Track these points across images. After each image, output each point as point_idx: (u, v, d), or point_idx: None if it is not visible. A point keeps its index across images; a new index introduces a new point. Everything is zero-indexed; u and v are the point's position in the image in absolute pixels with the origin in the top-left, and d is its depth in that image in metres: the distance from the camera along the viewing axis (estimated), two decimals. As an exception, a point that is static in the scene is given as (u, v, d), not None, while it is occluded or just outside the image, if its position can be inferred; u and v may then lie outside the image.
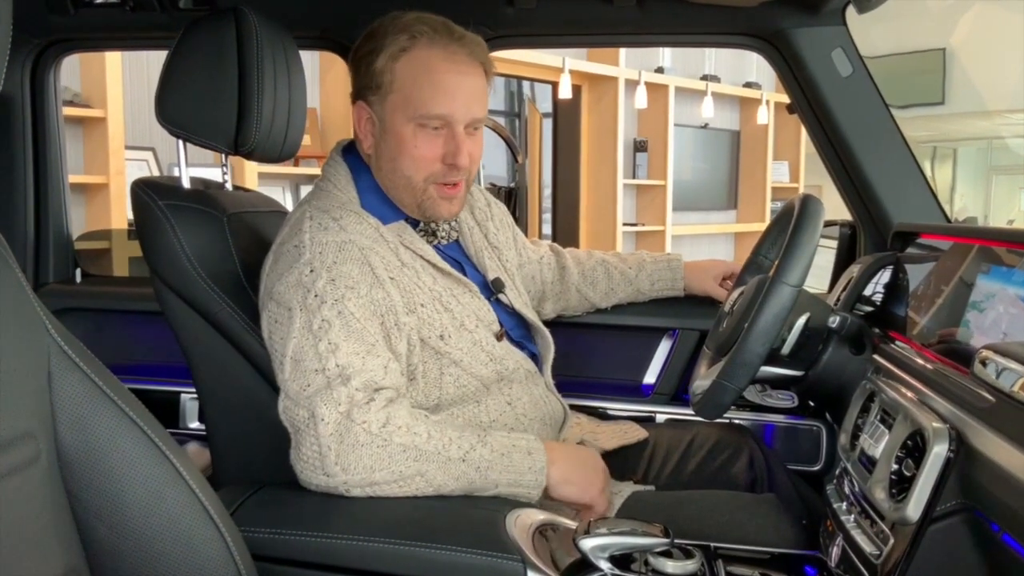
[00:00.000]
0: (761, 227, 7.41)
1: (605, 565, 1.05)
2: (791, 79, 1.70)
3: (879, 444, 1.01)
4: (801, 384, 1.37)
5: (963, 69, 8.00)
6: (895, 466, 0.97)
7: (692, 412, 1.37)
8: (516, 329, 1.45)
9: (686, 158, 6.73)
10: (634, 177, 6.28)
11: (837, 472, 1.19)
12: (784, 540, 1.25)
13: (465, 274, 1.40)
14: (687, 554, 1.08)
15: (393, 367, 1.20)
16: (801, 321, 1.31)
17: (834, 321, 1.27)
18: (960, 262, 1.26)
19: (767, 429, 1.74)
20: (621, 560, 1.06)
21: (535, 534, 1.11)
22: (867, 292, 1.53)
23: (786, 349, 1.31)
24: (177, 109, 1.40)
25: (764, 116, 6.96)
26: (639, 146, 6.33)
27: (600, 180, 6.08)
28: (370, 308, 1.22)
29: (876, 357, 1.27)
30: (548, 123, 6.15)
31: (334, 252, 1.22)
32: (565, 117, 6.16)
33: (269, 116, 1.40)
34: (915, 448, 0.95)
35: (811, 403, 1.75)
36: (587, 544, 1.06)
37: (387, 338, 1.23)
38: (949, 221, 1.71)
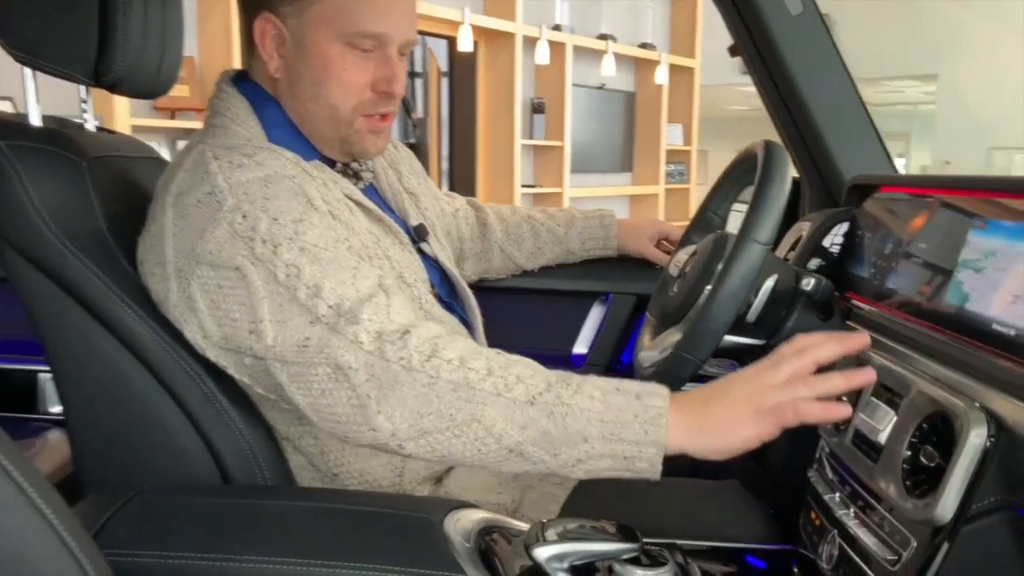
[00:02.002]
0: (656, 190, 7.42)
1: (565, 579, 0.88)
2: (735, 17, 1.54)
3: (883, 427, 0.87)
4: (762, 354, 1.22)
5: (843, 37, 8.13)
6: (907, 452, 0.82)
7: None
8: (441, 288, 1.25)
9: (583, 119, 6.60)
10: (531, 138, 6.11)
11: (819, 456, 1.04)
12: (753, 533, 1.10)
13: None
14: (656, 559, 0.91)
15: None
16: (769, 284, 1.16)
17: (808, 283, 1.12)
18: (938, 216, 1.13)
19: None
20: (583, 570, 0.89)
21: (479, 540, 0.93)
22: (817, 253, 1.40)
23: (752, 315, 1.16)
24: (24, 30, 1.13)
25: (663, 76, 6.89)
26: (537, 107, 6.16)
27: (498, 140, 5.89)
28: (331, 236, 1.00)
29: (852, 324, 1.13)
30: (444, 82, 5.91)
31: (261, 188, 0.99)
32: (461, 74, 5.93)
33: (139, 38, 1.14)
34: (934, 433, 0.80)
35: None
36: (542, 553, 0.89)
37: (368, 260, 1.02)
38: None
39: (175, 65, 1.29)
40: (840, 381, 0.88)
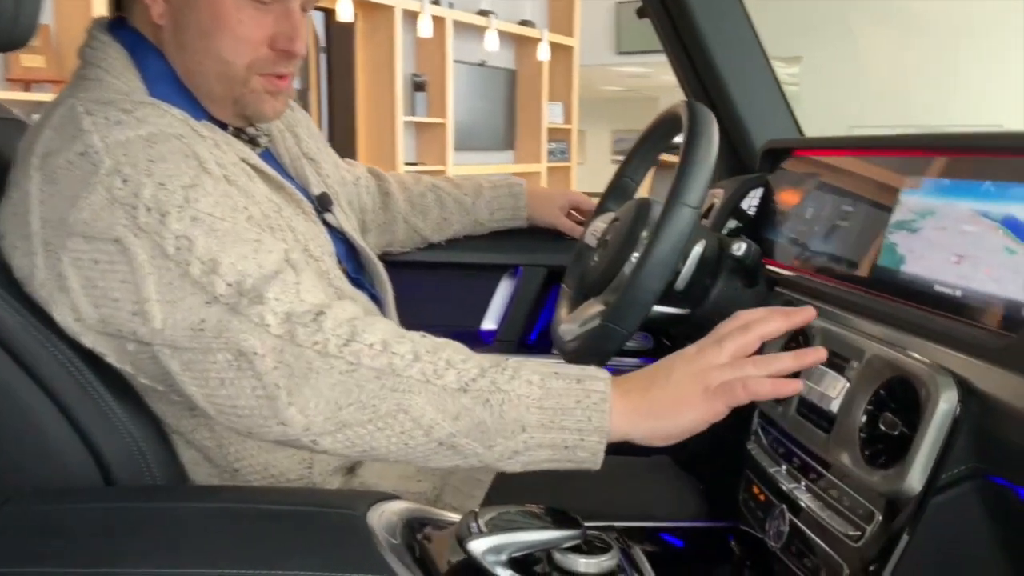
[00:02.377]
0: (538, 168, 7.41)
1: (506, 574, 0.80)
2: (645, -23, 1.48)
3: (834, 394, 0.82)
4: (683, 324, 1.18)
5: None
6: (862, 419, 0.78)
7: (551, 360, 1.13)
8: (348, 262, 1.15)
9: (465, 96, 6.51)
10: (413, 114, 5.98)
11: (755, 427, 0.99)
12: (689, 510, 1.05)
13: None
14: (599, 545, 0.85)
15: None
16: (698, 250, 1.11)
17: (739, 248, 1.07)
18: (863, 178, 1.10)
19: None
20: (521, 562, 0.81)
21: (406, 535, 0.84)
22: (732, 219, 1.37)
23: (680, 283, 1.11)
24: None
25: (544, 53, 6.86)
26: (418, 85, 6.03)
27: (379, 117, 5.73)
28: (227, 204, 0.88)
29: (782, 290, 1.09)
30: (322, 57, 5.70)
31: (143, 149, 0.86)
32: (340, 47, 5.73)
33: None
34: (893, 399, 0.76)
35: (668, 343, 1.58)
36: (478, 546, 0.80)
37: (270, 232, 0.90)
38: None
39: (34, 13, 1.13)
40: (789, 360, 0.83)
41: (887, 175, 1.05)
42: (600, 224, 1.28)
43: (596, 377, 0.83)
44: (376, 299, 1.17)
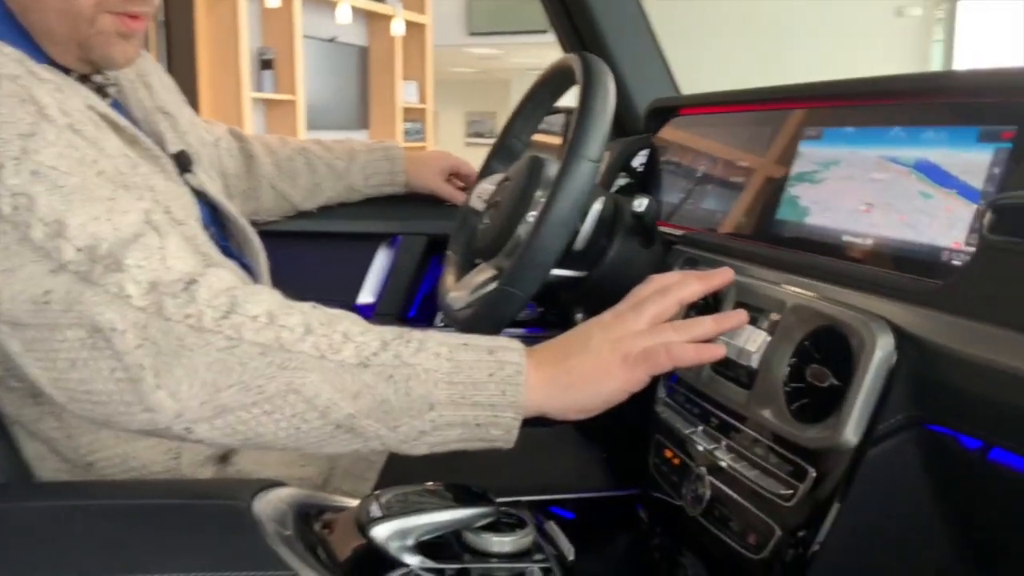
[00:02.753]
0: (396, 147, 7.24)
1: (414, 560, 0.72)
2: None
3: (752, 348, 0.78)
4: (578, 288, 1.12)
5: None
6: (786, 372, 0.74)
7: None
8: (215, 227, 1.03)
9: (315, 73, 6.30)
10: (261, 90, 5.72)
11: (661, 388, 0.95)
12: (594, 480, 1.00)
13: None
14: (512, 522, 0.78)
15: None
16: (597, 207, 1.05)
17: (640, 204, 1.02)
18: (755, 132, 1.07)
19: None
20: (430, 546, 0.74)
21: (298, 525, 0.74)
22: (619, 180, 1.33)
23: (580, 243, 1.05)
24: None
25: (399, 28, 6.72)
26: (266, 63, 5.78)
27: (223, 94, 5.44)
28: (74, 156, 0.76)
29: (682, 248, 1.05)
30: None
31: None
32: (178, 21, 5.39)
33: None
34: (819, 350, 0.73)
35: (552, 313, 1.52)
36: (382, 531, 0.72)
37: (126, 190, 0.77)
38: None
39: None
40: (711, 324, 0.78)
41: (783, 127, 1.03)
42: (487, 186, 1.21)
43: (509, 348, 0.75)
44: (248, 269, 1.06)
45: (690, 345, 0.75)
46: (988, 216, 0.56)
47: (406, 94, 7.32)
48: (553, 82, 1.16)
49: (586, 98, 0.98)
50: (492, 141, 1.31)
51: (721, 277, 0.82)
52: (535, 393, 0.74)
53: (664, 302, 0.78)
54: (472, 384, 0.73)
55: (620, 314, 0.79)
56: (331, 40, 6.52)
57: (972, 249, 0.70)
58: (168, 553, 0.65)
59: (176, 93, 1.13)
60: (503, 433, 0.75)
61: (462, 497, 0.78)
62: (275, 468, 0.97)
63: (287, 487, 0.79)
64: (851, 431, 0.66)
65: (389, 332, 0.75)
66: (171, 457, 0.91)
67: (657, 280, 0.82)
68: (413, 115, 7.47)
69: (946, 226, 0.75)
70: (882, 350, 0.66)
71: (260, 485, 0.76)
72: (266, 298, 0.73)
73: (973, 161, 0.75)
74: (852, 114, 0.92)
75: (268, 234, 1.36)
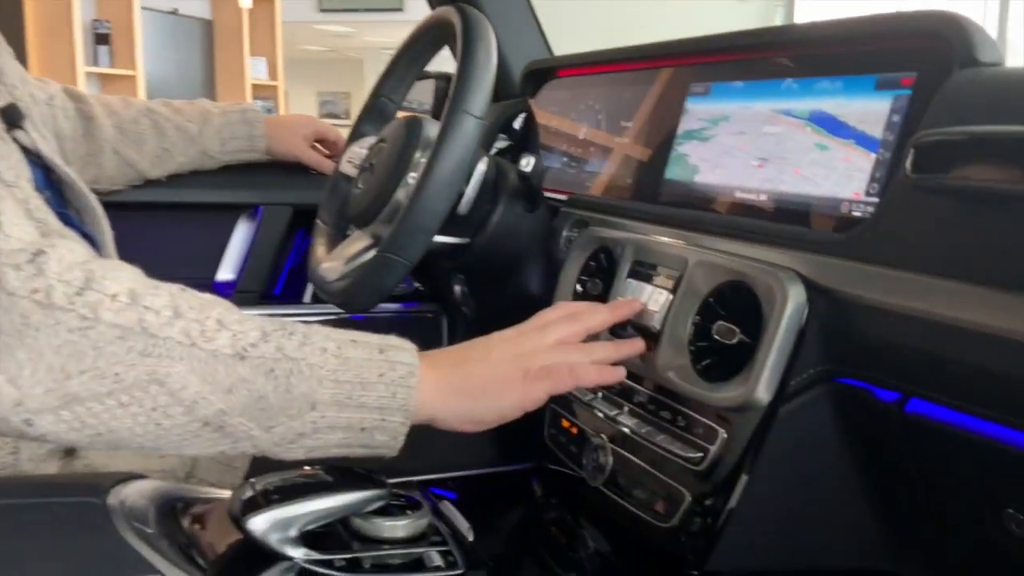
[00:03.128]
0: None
1: (298, 552, 0.64)
2: None
3: (655, 308, 0.75)
4: (461, 256, 1.07)
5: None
6: (690, 329, 0.71)
7: (301, 310, 0.99)
8: (50, 192, 0.90)
9: (156, 47, 5.94)
10: (96, 65, 5.34)
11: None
12: (485, 455, 0.95)
13: None
14: (404, 505, 0.72)
15: None
16: (481, 168, 0.99)
17: (527, 163, 0.97)
18: (637, 91, 1.04)
19: (379, 322, 1.41)
20: (318, 537, 0.66)
21: (162, 521, 0.65)
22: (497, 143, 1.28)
23: (463, 207, 0.99)
24: None
25: (247, 0, 6.43)
26: (101, 37, 5.40)
27: (55, 69, 5.04)
28: None
29: (569, 210, 1.01)
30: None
31: None
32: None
33: None
34: (724, 307, 0.70)
35: (421, 286, 1.46)
36: (260, 523, 0.65)
37: None
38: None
39: None
40: (611, 349, 0.74)
41: (668, 85, 1.00)
42: (358, 150, 1.13)
43: (401, 347, 0.69)
44: (91, 241, 0.94)
45: (592, 366, 0.72)
46: (910, 155, 0.54)
47: (255, 71, 7.02)
48: (429, 36, 1.09)
49: (467, 51, 0.92)
50: (347, 122, 1.23)
51: (628, 307, 0.78)
52: (427, 397, 0.68)
53: (571, 328, 0.74)
54: (360, 384, 0.66)
55: (525, 332, 0.74)
56: (172, 12, 6.18)
57: (873, 199, 0.69)
58: (11, 558, 0.55)
59: (2, 44, 0.99)
60: (388, 439, 0.68)
61: (347, 480, 0.71)
62: (130, 459, 0.86)
63: (147, 479, 0.70)
64: (763, 388, 0.64)
65: (270, 323, 0.66)
66: (8, 452, 0.79)
67: (565, 306, 0.78)
68: (263, 92, 7.18)
69: (844, 177, 0.74)
70: (793, 302, 0.63)
71: (116, 479, 0.67)
72: (127, 275, 0.64)
73: (871, 110, 0.73)
74: (741, 68, 0.90)
75: (112, 205, 1.23)
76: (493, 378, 0.70)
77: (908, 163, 0.54)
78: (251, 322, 0.65)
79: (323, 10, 8.24)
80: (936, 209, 0.56)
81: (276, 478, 0.71)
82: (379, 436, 0.67)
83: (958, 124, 0.57)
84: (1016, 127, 0.50)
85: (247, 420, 0.63)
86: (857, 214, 0.70)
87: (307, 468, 0.71)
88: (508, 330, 0.75)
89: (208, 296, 0.67)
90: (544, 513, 0.86)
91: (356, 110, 1.18)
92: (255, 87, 6.99)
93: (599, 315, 0.76)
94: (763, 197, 0.81)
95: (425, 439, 0.89)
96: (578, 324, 0.74)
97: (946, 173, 0.53)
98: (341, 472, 0.72)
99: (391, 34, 9.59)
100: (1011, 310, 0.52)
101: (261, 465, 0.87)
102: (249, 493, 0.67)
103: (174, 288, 0.65)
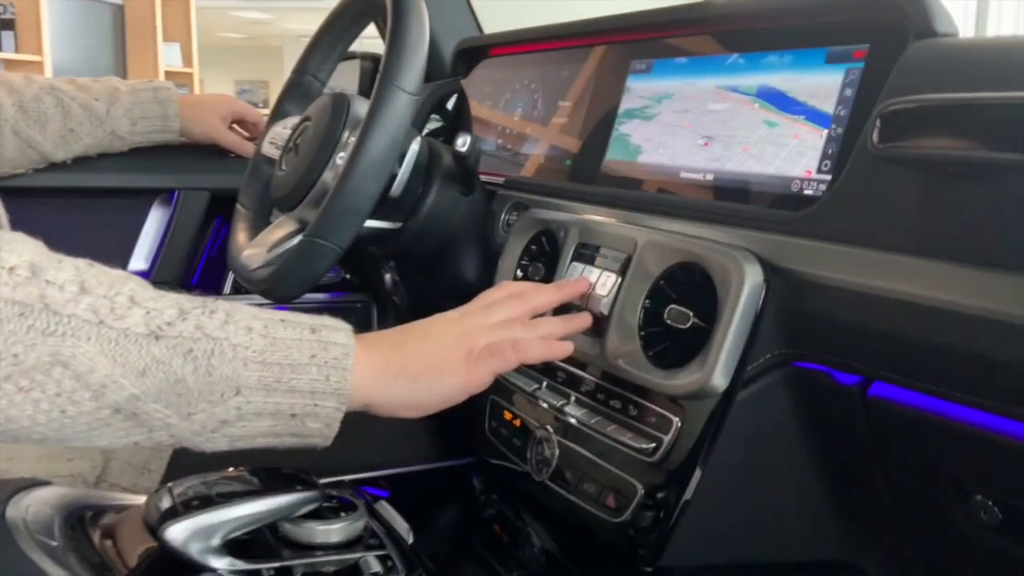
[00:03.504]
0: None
1: (221, 563, 0.59)
2: None
3: (602, 293, 0.71)
4: (391, 242, 1.01)
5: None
6: (640, 313, 0.68)
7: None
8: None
9: (64, 33, 5.69)
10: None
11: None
12: (421, 452, 0.90)
13: None
14: (338, 507, 0.67)
15: None
16: (415, 148, 0.94)
17: (464, 143, 0.92)
18: (576, 69, 1.01)
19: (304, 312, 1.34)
20: (242, 545, 0.61)
21: (69, 532, 0.59)
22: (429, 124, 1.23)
23: (396, 190, 0.94)
24: None
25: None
26: (5, 22, 5.14)
27: (-48, 53, 4.79)
28: None
29: (508, 192, 0.97)
30: None
31: None
32: None
33: None
34: (676, 290, 0.66)
35: (349, 275, 1.40)
36: (178, 532, 0.59)
37: None
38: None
39: None
40: (559, 323, 0.70)
41: (607, 62, 0.97)
42: (281, 130, 1.07)
43: (335, 327, 0.63)
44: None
45: (539, 340, 0.67)
46: (876, 125, 0.51)
47: (168, 57, 6.79)
48: (355, 9, 1.03)
49: (398, 22, 0.86)
50: (267, 112, 1.16)
51: (576, 286, 0.74)
52: (363, 381, 0.62)
53: (515, 308, 0.69)
54: (290, 366, 0.60)
55: (467, 312, 0.70)
56: (80, -4, 5.92)
57: (826, 176, 0.66)
58: None
59: None
60: (322, 426, 0.62)
61: (275, 482, 0.66)
62: (33, 464, 0.79)
63: (51, 486, 0.64)
64: (719, 374, 0.60)
65: (189, 300, 0.60)
66: None
67: (509, 286, 0.73)
68: (177, 80, 6.93)
69: (795, 154, 0.71)
70: (750, 284, 0.60)
71: (15, 486, 0.60)
72: (27, 247, 0.57)
73: (821, 84, 0.71)
74: (684, 44, 0.87)
75: (12, 191, 1.15)
76: (434, 359, 0.65)
77: (874, 133, 0.51)
78: (167, 299, 0.59)
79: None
80: (901, 183, 0.54)
81: (196, 481, 0.65)
82: (311, 423, 0.61)
83: (923, 95, 0.55)
84: (991, 93, 0.47)
85: (163, 406, 0.57)
86: (809, 192, 0.68)
87: (231, 470, 0.66)
88: (450, 312, 0.70)
89: (119, 271, 0.60)
90: (486, 510, 0.82)
91: (275, 99, 1.11)
92: (168, 74, 6.76)
93: (545, 294, 0.71)
94: (710, 177, 0.78)
95: (358, 435, 0.84)
96: (523, 304, 0.70)
97: (914, 143, 0.50)
98: (268, 473, 0.67)
99: (311, 21, 9.39)
100: (982, 287, 0.50)
101: (179, 468, 0.81)
102: (166, 499, 0.62)
103: (80, 263, 0.59)
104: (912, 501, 0.58)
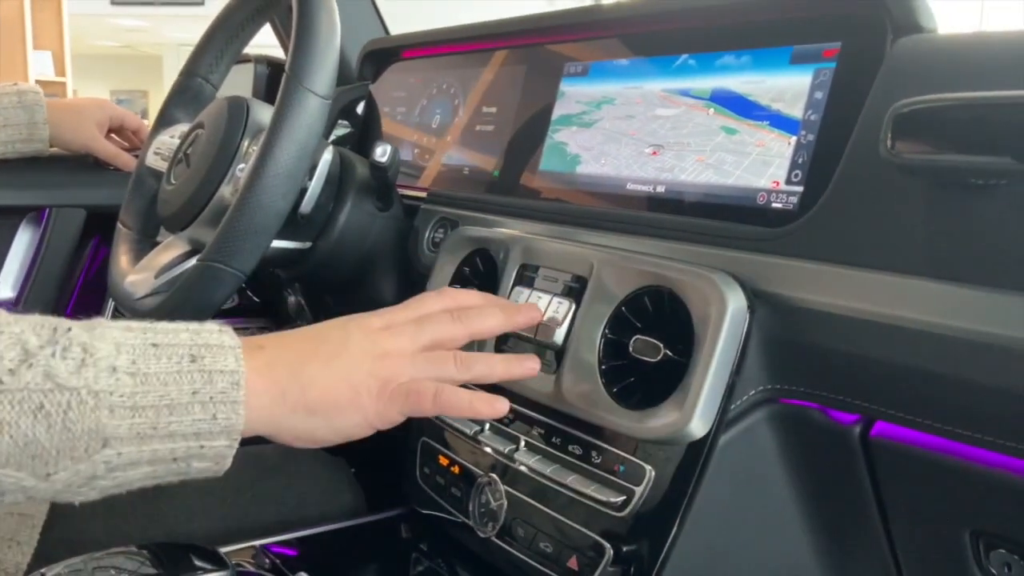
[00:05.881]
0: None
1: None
2: None
3: (558, 318, 0.62)
4: (298, 264, 0.91)
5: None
6: (600, 344, 0.59)
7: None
8: None
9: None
10: None
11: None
12: (342, 504, 0.79)
13: None
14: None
15: None
16: (327, 158, 0.84)
17: (383, 152, 0.82)
18: (501, 73, 0.92)
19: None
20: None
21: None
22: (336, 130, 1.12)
23: (307, 205, 0.83)
24: None
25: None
26: None
27: None
28: None
29: (431, 207, 0.87)
30: None
31: None
32: None
33: None
34: (643, 317, 0.58)
35: (252, 296, 1.28)
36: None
37: None
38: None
39: None
40: (500, 366, 0.59)
41: (537, 65, 0.88)
42: (168, 139, 0.95)
43: (220, 347, 0.52)
44: None
45: (466, 395, 0.56)
46: (890, 128, 0.44)
47: (39, 66, 6.43)
48: (252, 4, 0.92)
49: (306, 16, 0.76)
50: (146, 123, 1.04)
51: (529, 313, 0.63)
52: (255, 413, 0.53)
53: (452, 329, 0.59)
54: (168, 407, 0.49)
55: (393, 325, 0.58)
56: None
57: (796, 188, 0.60)
58: None
59: None
60: (211, 464, 0.52)
61: (171, 559, 0.54)
62: None
63: None
64: (700, 416, 0.52)
65: (38, 329, 0.48)
66: None
67: (451, 295, 0.62)
68: (49, 90, 6.52)
69: (759, 163, 0.64)
70: (732, 311, 0.52)
71: None
72: None
73: (787, 87, 0.64)
74: (624, 44, 0.79)
75: None
76: (339, 392, 0.55)
77: (888, 138, 0.44)
78: (6, 335, 0.47)
79: (115, 3, 7.70)
80: (908, 193, 0.47)
81: (76, 563, 0.53)
82: (197, 464, 0.52)
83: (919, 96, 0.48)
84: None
85: (14, 470, 0.46)
86: (778, 205, 0.61)
87: (119, 549, 0.54)
88: (374, 314, 0.59)
89: None
90: (417, 568, 0.72)
91: (156, 110, 0.99)
92: (39, 84, 6.37)
93: (490, 319, 0.60)
94: (661, 188, 0.70)
95: (264, 490, 0.73)
96: (463, 326, 0.59)
97: (934, 148, 0.43)
98: (161, 548, 0.55)
99: (191, 29, 9.04)
100: (1002, 313, 0.43)
101: (55, 536, 0.69)
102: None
103: None
104: (922, 557, 0.52)
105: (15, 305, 1.12)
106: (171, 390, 0.49)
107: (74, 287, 1.19)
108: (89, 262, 1.20)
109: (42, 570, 0.52)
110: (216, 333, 0.53)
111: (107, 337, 0.49)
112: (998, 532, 0.47)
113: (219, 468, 0.53)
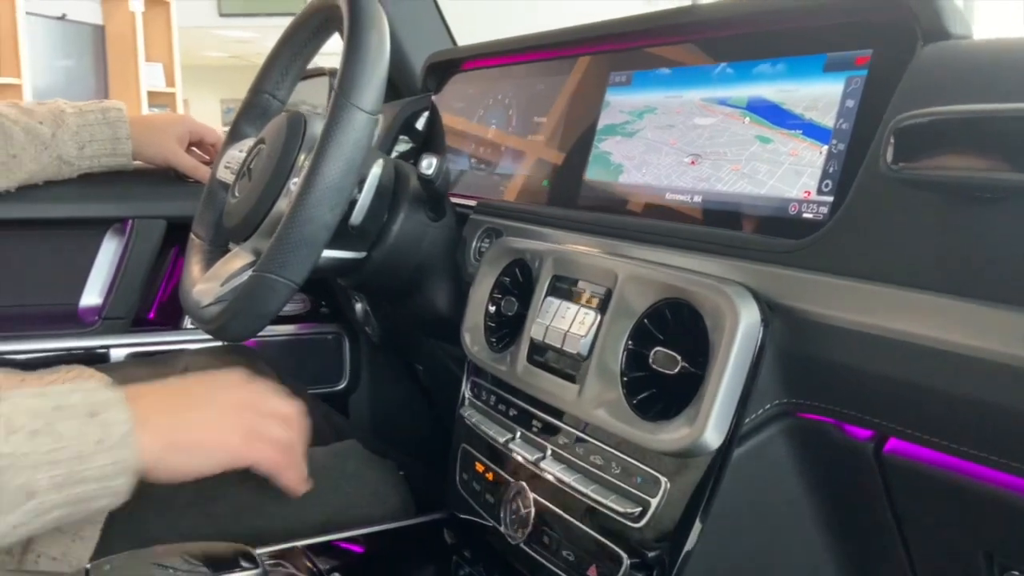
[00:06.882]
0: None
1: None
2: None
3: (580, 332, 0.63)
4: (357, 273, 0.94)
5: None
6: (623, 355, 0.60)
7: (179, 337, 0.86)
8: None
9: (44, 54, 5.62)
10: (-24, 73, 5.02)
11: (466, 386, 0.78)
12: (389, 507, 0.82)
13: None
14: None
15: None
16: (376, 172, 0.87)
17: (429, 165, 0.84)
18: (553, 83, 0.93)
19: (271, 346, 1.26)
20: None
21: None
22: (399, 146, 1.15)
23: (357, 217, 0.86)
24: None
25: (138, 4, 6.15)
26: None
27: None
28: None
29: (480, 217, 0.89)
30: None
31: None
32: None
33: None
34: (665, 330, 0.59)
35: (324, 305, 1.32)
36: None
37: None
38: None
39: None
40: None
41: (585, 75, 0.89)
42: (236, 153, 1.00)
43: (109, 403, 0.63)
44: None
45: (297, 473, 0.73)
46: (890, 142, 0.44)
47: (151, 78, 6.72)
48: (313, 22, 0.96)
49: (354, 36, 0.79)
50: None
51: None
52: (145, 455, 0.63)
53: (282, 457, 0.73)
54: (79, 458, 0.60)
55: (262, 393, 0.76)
56: (61, 17, 5.85)
57: (827, 198, 0.59)
58: None
59: None
60: (110, 500, 0.63)
61: (217, 560, 0.58)
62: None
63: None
64: (713, 429, 0.52)
65: None
66: None
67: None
68: (160, 100, 6.87)
69: (792, 173, 0.64)
70: (745, 324, 0.52)
71: None
72: None
73: (820, 95, 0.63)
74: (666, 53, 0.80)
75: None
76: (211, 428, 0.69)
77: (888, 152, 0.44)
78: None
79: (224, 15, 7.98)
80: (918, 208, 0.46)
81: (121, 563, 0.57)
82: (100, 502, 0.62)
83: (939, 106, 0.47)
84: (1024, 104, 0.40)
85: None
86: (809, 215, 0.60)
87: (160, 548, 0.58)
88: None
89: None
90: (458, 573, 0.74)
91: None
92: (151, 95, 6.69)
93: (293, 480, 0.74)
94: (698, 199, 0.70)
95: (312, 491, 0.76)
96: (287, 460, 0.73)
97: (935, 162, 0.43)
98: (208, 549, 0.59)
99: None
100: (1016, 332, 0.42)
101: (115, 533, 0.73)
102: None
103: None
104: (939, 574, 0.51)
105: (100, 312, 1.19)
106: (80, 443, 0.60)
107: (156, 294, 1.25)
108: (170, 270, 1.27)
109: (85, 567, 0.57)
110: (98, 387, 0.64)
111: (21, 406, 0.60)
112: (1013, 554, 0.46)
113: (117, 501, 0.63)
